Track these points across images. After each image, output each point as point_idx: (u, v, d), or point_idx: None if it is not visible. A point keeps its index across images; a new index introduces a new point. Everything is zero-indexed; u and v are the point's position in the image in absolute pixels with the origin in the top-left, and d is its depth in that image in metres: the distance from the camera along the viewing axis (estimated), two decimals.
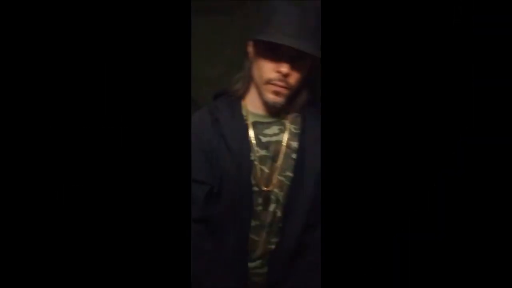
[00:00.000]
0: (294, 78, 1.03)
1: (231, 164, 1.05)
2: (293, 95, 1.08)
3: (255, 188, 1.06)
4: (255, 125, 1.09)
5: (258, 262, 1.09)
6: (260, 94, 1.07)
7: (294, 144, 1.08)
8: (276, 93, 1.03)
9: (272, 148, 1.08)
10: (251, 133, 1.07)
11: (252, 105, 1.11)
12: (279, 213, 1.07)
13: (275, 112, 1.10)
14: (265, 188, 1.05)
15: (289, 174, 1.07)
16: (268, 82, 1.03)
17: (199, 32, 1.30)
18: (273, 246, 1.08)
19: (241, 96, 1.12)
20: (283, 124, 1.10)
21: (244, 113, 1.10)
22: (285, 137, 1.08)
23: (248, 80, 1.10)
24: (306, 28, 0.99)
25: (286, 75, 1.02)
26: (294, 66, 1.02)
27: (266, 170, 1.06)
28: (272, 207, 1.07)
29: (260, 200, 1.07)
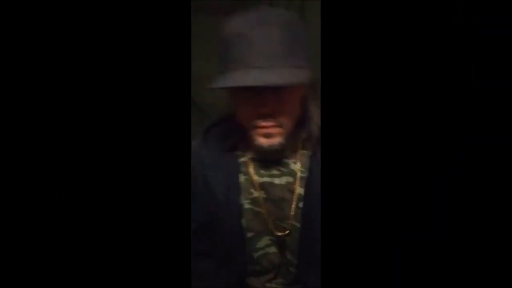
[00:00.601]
0: (284, 112, 0.86)
1: (217, 206, 0.93)
2: (293, 131, 0.91)
3: (250, 234, 0.93)
4: (250, 163, 0.94)
5: None
6: (253, 141, 0.89)
7: (299, 190, 0.92)
8: (267, 135, 0.87)
9: (272, 191, 0.93)
10: (244, 171, 0.94)
11: (251, 139, 0.91)
12: (293, 260, 0.94)
13: (276, 154, 0.92)
14: (278, 233, 0.92)
15: (296, 224, 0.93)
16: (254, 127, 0.87)
17: (199, 32, 1.29)
18: None
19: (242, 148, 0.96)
20: (286, 165, 0.94)
21: (239, 152, 0.96)
22: (286, 180, 0.93)
23: (241, 129, 0.93)
24: (280, 54, 0.83)
25: (270, 115, 0.86)
26: (278, 99, 0.85)
27: (264, 213, 0.93)
28: (272, 249, 0.94)
29: (259, 244, 0.94)
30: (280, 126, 0.87)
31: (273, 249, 0.94)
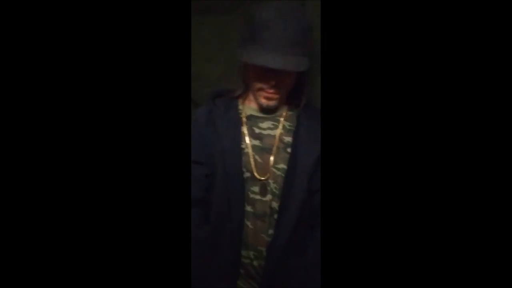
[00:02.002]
0: (284, 85, 1.13)
1: (223, 151, 1.13)
2: (287, 95, 1.17)
3: (247, 174, 1.13)
4: (249, 118, 1.18)
5: (251, 253, 1.12)
6: (255, 97, 1.17)
7: (287, 139, 1.16)
8: (268, 98, 1.14)
9: (265, 140, 1.15)
10: (245, 124, 1.17)
11: (248, 102, 1.20)
12: (274, 205, 1.12)
13: (270, 112, 1.19)
14: (261, 178, 1.12)
15: (283, 166, 1.13)
16: (259, 89, 1.14)
17: (199, 32, 1.30)
18: (268, 239, 1.11)
19: (238, 96, 1.21)
20: (277, 120, 1.18)
21: (240, 108, 1.19)
22: (278, 131, 1.16)
23: (243, 84, 1.20)
24: (294, 42, 1.06)
25: (275, 85, 1.12)
26: (282, 76, 1.11)
27: (260, 160, 1.14)
28: (268, 197, 1.12)
29: (256, 189, 1.13)
30: (278, 93, 1.14)
31: (258, 196, 1.14)
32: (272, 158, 1.13)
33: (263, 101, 1.14)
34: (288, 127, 1.16)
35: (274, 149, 1.14)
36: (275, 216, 1.11)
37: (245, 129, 1.16)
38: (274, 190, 1.12)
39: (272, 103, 1.14)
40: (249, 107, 1.18)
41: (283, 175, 1.12)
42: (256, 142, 1.15)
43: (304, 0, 1.60)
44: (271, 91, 1.12)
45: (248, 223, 1.12)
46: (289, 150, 1.14)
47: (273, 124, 1.17)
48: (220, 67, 1.35)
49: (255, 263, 1.12)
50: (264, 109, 1.17)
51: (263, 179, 1.12)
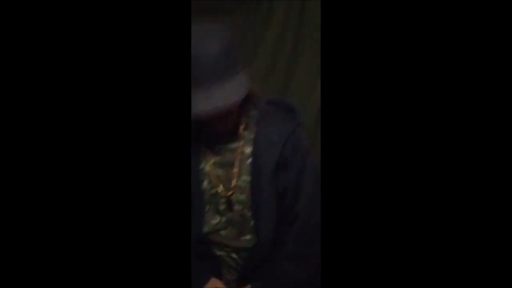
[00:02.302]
0: (234, 114, 1.10)
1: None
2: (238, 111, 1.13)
3: (213, 191, 1.13)
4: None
5: (229, 250, 1.15)
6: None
7: (248, 149, 1.13)
8: (223, 132, 1.11)
9: (226, 154, 1.14)
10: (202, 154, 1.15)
11: None
12: (247, 212, 1.12)
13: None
14: (226, 193, 1.12)
15: (246, 177, 1.13)
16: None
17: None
18: (247, 244, 1.13)
19: None
20: (235, 133, 1.14)
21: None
22: (238, 144, 1.14)
23: None
24: (222, 64, 1.02)
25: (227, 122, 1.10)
26: (229, 112, 1.07)
27: (221, 175, 1.13)
28: (238, 207, 1.13)
29: (223, 201, 1.13)
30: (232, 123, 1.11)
31: (239, 207, 1.13)
32: (234, 173, 1.12)
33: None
34: (247, 137, 1.14)
35: (236, 163, 1.12)
36: (251, 223, 1.12)
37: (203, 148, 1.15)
38: (242, 199, 1.12)
39: (228, 131, 1.11)
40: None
41: (248, 185, 1.12)
42: (217, 159, 1.14)
43: (304, 0, 1.61)
44: (224, 129, 1.10)
45: (222, 233, 1.14)
46: (249, 161, 1.12)
47: (231, 138, 1.14)
48: None
49: (233, 255, 1.14)
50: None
51: (228, 195, 1.12)
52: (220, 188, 1.12)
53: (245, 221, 1.13)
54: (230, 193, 1.12)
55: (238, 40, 1.16)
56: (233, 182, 1.12)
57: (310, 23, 1.61)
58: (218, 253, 1.15)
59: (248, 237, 1.13)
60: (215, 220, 1.13)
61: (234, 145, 1.14)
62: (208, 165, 1.14)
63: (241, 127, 1.14)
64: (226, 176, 1.13)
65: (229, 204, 1.13)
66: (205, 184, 1.14)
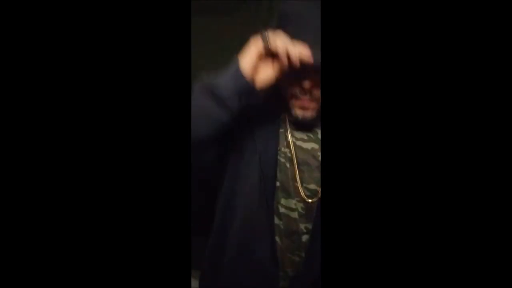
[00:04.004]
0: (318, 90, 0.95)
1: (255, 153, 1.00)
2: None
3: (278, 184, 0.99)
4: (287, 122, 1.02)
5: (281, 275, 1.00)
6: (289, 110, 0.99)
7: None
8: (303, 108, 0.96)
9: (298, 153, 1.01)
10: (282, 127, 1.01)
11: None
12: (301, 226, 1.00)
13: (309, 126, 1.01)
14: (298, 197, 0.99)
15: (314, 187, 0.99)
16: (292, 97, 0.97)
17: (199, 32, 1.30)
18: (297, 260, 1.00)
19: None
20: (315, 133, 1.01)
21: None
22: (312, 146, 1.00)
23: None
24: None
25: (310, 89, 0.94)
26: (316, 77, 0.93)
27: (290, 173, 1.00)
28: (294, 214, 1.00)
29: (284, 201, 1.00)
30: (314, 100, 0.95)
31: (294, 215, 0.99)
32: (299, 177, 0.98)
33: (298, 112, 0.96)
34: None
35: (304, 166, 0.98)
36: (303, 238, 0.99)
37: (281, 132, 1.00)
38: (301, 210, 0.99)
39: (309, 114, 0.96)
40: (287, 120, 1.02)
41: (310, 195, 0.98)
42: (287, 151, 1.00)
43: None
44: (307, 97, 0.94)
45: (277, 238, 0.99)
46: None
47: (307, 136, 1.01)
48: (220, 67, 1.36)
49: (280, 283, 1.00)
50: (300, 124, 0.99)
51: (310, 202, 0.97)
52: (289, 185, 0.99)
53: (299, 233, 0.99)
54: (313, 200, 0.99)
55: (238, 40, 1.16)
56: (297, 187, 0.99)
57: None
58: None
59: (296, 253, 0.99)
60: None
61: (306, 145, 1.00)
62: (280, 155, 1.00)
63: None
64: (293, 176, 1.00)
65: (307, 214, 0.99)
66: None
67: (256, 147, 0.99)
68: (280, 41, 0.89)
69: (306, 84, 0.93)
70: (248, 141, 1.00)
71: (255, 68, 0.92)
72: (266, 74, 0.93)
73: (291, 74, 0.92)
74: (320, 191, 0.98)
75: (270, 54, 0.92)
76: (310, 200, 0.99)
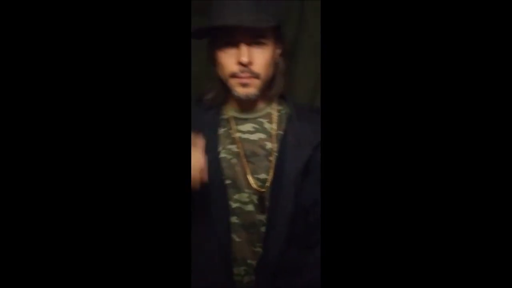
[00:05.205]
0: (259, 65, 0.98)
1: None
2: (267, 84, 1.02)
3: (228, 182, 1.01)
4: (230, 120, 1.05)
5: (241, 269, 1.03)
6: (230, 91, 1.01)
7: (269, 145, 1.03)
8: (244, 85, 0.98)
9: (246, 146, 1.03)
10: (224, 127, 1.04)
11: (232, 101, 1.06)
12: (259, 217, 1.02)
13: (253, 107, 1.04)
14: (250, 190, 1.01)
15: (264, 176, 1.02)
16: (232, 76, 0.99)
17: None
18: (258, 250, 1.02)
19: (221, 102, 1.07)
20: (261, 124, 1.04)
21: (223, 110, 1.06)
22: (259, 136, 1.03)
23: (220, 82, 1.03)
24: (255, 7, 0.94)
25: (248, 64, 0.96)
26: (255, 52, 0.97)
27: (239, 168, 1.02)
28: (249, 207, 1.02)
29: (237, 196, 1.02)
30: (255, 77, 0.97)
31: (249, 207, 1.02)
32: (251, 168, 1.01)
33: (239, 90, 0.98)
34: (271, 132, 1.03)
35: (255, 157, 1.01)
36: (262, 229, 1.01)
37: (223, 132, 1.03)
38: (255, 201, 1.02)
39: (250, 90, 0.98)
40: (231, 108, 1.06)
41: (263, 184, 1.01)
42: (234, 148, 1.02)
43: (304, 0, 1.61)
44: (245, 74, 0.97)
45: (235, 236, 1.02)
46: (270, 158, 1.01)
47: (253, 128, 1.04)
48: None
49: (245, 279, 1.02)
50: (245, 105, 1.02)
51: (255, 190, 1.00)
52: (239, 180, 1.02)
53: (258, 225, 1.02)
54: (252, 189, 1.01)
55: None
56: (249, 178, 1.01)
57: (310, 23, 1.61)
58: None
59: (257, 244, 1.02)
60: None
61: (253, 136, 1.02)
62: (229, 154, 1.02)
63: (268, 114, 1.03)
64: (243, 169, 1.02)
65: (260, 203, 1.02)
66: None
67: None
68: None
69: (243, 58, 0.95)
70: None
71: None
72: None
73: (227, 50, 0.96)
74: (269, 179, 1.00)
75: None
76: (263, 190, 1.01)
